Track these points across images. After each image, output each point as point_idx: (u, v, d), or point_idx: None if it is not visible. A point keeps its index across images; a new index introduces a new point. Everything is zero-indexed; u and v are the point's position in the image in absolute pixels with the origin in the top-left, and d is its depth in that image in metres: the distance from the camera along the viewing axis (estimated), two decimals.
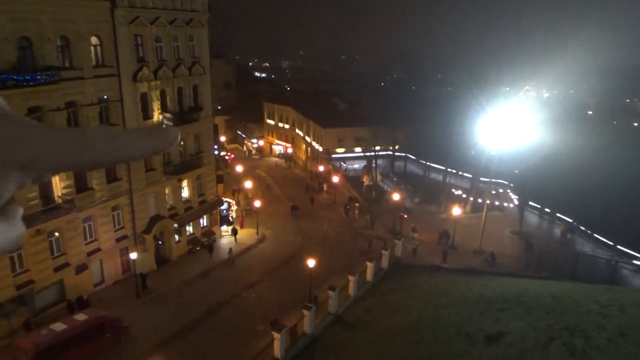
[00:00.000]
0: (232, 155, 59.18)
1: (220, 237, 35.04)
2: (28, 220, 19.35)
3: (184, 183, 31.88)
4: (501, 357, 14.47)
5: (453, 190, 45.25)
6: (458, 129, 42.33)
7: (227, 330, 23.59)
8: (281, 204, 42.97)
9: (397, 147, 50.69)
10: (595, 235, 36.29)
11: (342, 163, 54.13)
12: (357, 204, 41.70)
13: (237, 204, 40.79)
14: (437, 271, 29.77)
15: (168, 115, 29.46)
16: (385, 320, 23.27)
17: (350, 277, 25.79)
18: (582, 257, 31.72)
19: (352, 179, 49.50)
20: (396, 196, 39.07)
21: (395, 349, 18.66)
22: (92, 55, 25.00)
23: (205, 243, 32.70)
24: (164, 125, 26.93)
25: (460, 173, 48.06)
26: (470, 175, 44.94)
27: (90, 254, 26.00)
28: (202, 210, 33.45)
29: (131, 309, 25.19)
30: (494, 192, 42.29)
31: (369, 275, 27.53)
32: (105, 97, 25.73)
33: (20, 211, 0.50)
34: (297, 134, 61.41)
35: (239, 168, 49.70)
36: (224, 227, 35.95)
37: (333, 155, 53.57)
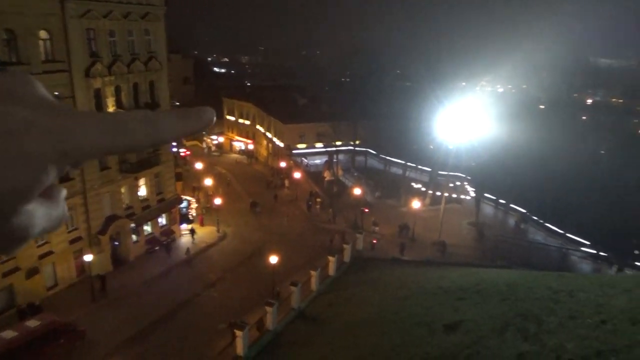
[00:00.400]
0: (189, 152, 58.06)
1: (180, 236, 34.39)
2: None
3: (141, 181, 31.05)
4: (459, 344, 14.88)
5: (412, 184, 46.11)
6: (417, 124, 43.16)
7: (189, 330, 23.21)
8: (242, 201, 42.58)
9: (358, 142, 51.17)
10: (546, 224, 37.89)
11: (303, 159, 54.13)
12: (318, 199, 41.85)
13: (198, 201, 40.13)
14: (397, 264, 30.29)
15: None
16: (347, 313, 23.48)
17: (312, 272, 25.85)
18: (535, 246, 33.08)
19: (313, 175, 49.61)
20: (357, 191, 39.45)
21: (358, 342, 18.87)
22: (41, 49, 23.90)
23: (164, 242, 32.00)
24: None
25: (420, 167, 49.01)
26: (429, 169, 45.90)
27: (41, 257, 24.94)
28: (161, 209, 32.70)
29: (87, 312, 24.38)
30: (451, 185, 43.39)
31: (331, 270, 27.68)
32: (56, 93, 24.65)
33: (63, 192, 0.51)
34: (258, 130, 60.92)
35: (199, 165, 48.86)
36: (184, 226, 35.30)
37: (294, 151, 53.49)
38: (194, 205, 38.66)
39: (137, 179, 30.27)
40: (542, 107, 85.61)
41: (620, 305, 13.43)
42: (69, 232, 26.50)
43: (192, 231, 34.12)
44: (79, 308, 24.47)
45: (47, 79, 23.90)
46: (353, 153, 52.58)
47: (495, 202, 42.80)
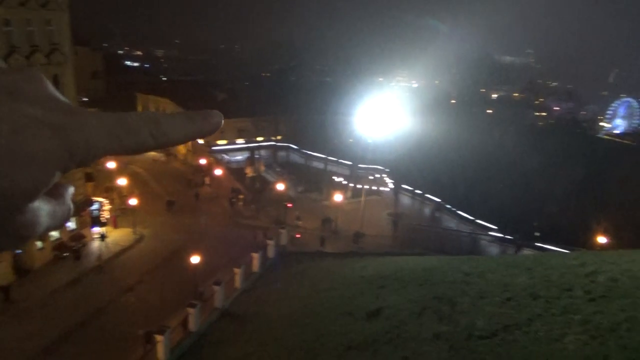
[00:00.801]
0: None
1: (92, 241, 32.35)
2: None
3: None
4: (381, 329, 15.36)
5: (334, 177, 46.90)
6: (337, 118, 43.95)
7: (105, 338, 21.91)
8: (161, 200, 40.89)
9: (279, 137, 51.07)
10: (458, 212, 40.26)
11: (224, 155, 53.06)
12: (241, 196, 41.28)
13: (111, 203, 37.93)
14: (321, 256, 30.69)
15: None
16: (273, 309, 23.41)
17: (236, 270, 25.49)
18: (449, 233, 35.02)
19: (235, 171, 48.81)
20: (280, 186, 39.41)
21: (283, 336, 18.87)
22: None
23: (74, 248, 29.94)
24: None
25: (340, 161, 49.96)
26: (349, 163, 46.95)
27: None
28: None
29: None
30: (371, 177, 44.70)
31: (256, 266, 27.46)
32: None
33: (69, 190, 0.51)
34: None
35: (111, 164, 46.15)
36: (96, 229, 33.23)
37: (214, 148, 52.26)
38: (107, 207, 36.50)
39: None
40: (453, 101, 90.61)
41: (523, 282, 14.60)
42: None
43: (103, 236, 32.19)
44: None
45: None
46: (275, 148, 52.44)
47: (412, 192, 44.73)
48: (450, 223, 39.30)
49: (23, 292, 25.17)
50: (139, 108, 62.53)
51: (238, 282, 25.48)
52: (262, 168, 49.04)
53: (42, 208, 0.45)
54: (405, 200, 44.24)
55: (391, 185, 45.14)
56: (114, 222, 34.56)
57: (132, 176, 44.66)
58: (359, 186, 41.98)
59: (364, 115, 38.84)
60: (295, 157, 55.10)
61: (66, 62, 29.14)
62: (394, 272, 24.41)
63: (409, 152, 40.52)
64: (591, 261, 15.53)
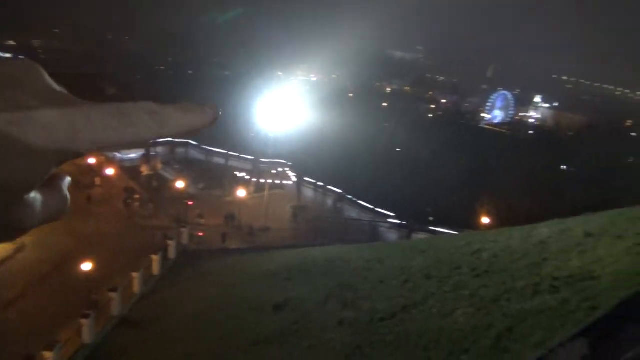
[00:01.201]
0: None
1: None
2: None
3: None
4: (287, 321, 15.45)
5: (236, 173, 46.16)
6: (237, 112, 43.20)
7: None
8: None
9: None
10: (359, 202, 41.79)
11: (116, 153, 49.68)
12: (136, 196, 38.99)
13: None
14: (226, 253, 30.13)
15: None
16: (177, 311, 22.55)
17: (134, 274, 24.12)
18: (350, 222, 36.21)
19: (129, 170, 45.93)
20: (179, 184, 37.91)
21: (188, 338, 18.23)
22: None
23: None
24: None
25: (242, 156, 49.30)
26: (251, 158, 46.51)
27: None
28: None
29: None
30: (274, 171, 44.70)
31: (156, 269, 26.22)
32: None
33: (65, 180, 0.50)
34: None
35: None
36: None
37: None
38: None
39: None
40: (350, 95, 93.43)
41: (418, 265, 15.51)
42: None
43: None
44: None
45: None
46: (172, 145, 50.25)
47: (315, 185, 45.50)
48: (352, 213, 40.64)
49: None
50: None
51: (136, 286, 24.14)
52: (159, 166, 46.78)
53: (38, 199, 0.44)
54: (308, 192, 44.90)
55: (294, 179, 45.53)
56: None
57: None
58: (261, 181, 41.75)
59: (265, 109, 38.65)
60: (195, 154, 53.28)
61: None
62: (299, 264, 24.64)
63: (310, 145, 41.19)
64: (476, 240, 16.90)
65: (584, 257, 10.16)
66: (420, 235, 33.96)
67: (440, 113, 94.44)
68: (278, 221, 34.88)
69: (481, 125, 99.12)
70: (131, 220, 35.74)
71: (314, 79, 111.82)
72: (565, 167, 63.47)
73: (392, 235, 35.97)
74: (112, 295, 21.92)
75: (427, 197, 44.33)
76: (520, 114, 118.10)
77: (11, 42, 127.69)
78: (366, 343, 10.35)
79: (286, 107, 38.05)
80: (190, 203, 35.79)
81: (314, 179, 45.21)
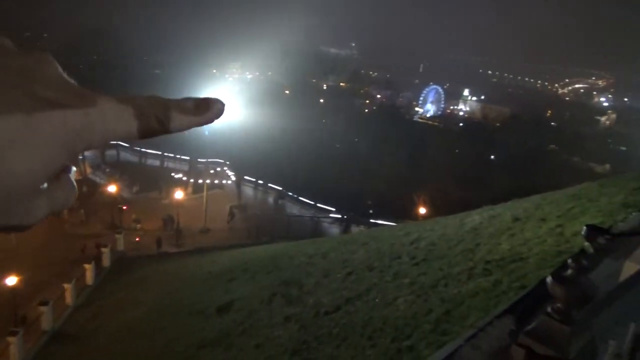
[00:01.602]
0: None
1: None
2: None
3: None
4: (232, 322, 15.28)
5: (172, 174, 44.84)
6: None
7: None
8: None
9: None
10: (300, 198, 41.95)
11: None
12: None
13: None
14: (166, 258, 29.21)
15: None
16: (114, 320, 21.58)
17: (66, 285, 22.82)
18: (292, 219, 36.26)
19: None
20: (112, 188, 36.22)
21: (127, 349, 17.53)
22: None
23: None
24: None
25: (178, 156, 47.96)
26: (187, 158, 45.33)
27: None
28: None
29: None
30: (212, 171, 43.85)
31: (90, 279, 24.96)
32: None
33: (72, 170, 0.49)
34: None
35: None
36: None
37: None
38: None
39: None
40: (287, 92, 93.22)
41: (360, 257, 15.83)
42: None
43: None
44: None
45: None
46: (103, 148, 47.92)
47: (255, 183, 45.14)
48: (294, 209, 40.73)
49: None
50: None
51: (69, 298, 22.86)
52: (89, 170, 44.50)
53: (49, 189, 0.45)
54: (248, 191, 44.47)
55: (233, 178, 44.90)
56: None
57: None
58: (200, 181, 40.83)
59: None
60: (127, 156, 51.13)
61: None
62: (242, 264, 24.36)
63: (249, 143, 40.78)
64: (414, 230, 17.49)
65: (513, 240, 10.83)
66: (362, 228, 34.63)
67: (375, 108, 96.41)
68: (219, 222, 34.28)
69: (415, 119, 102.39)
70: (60, 229, 33.72)
71: (250, 76, 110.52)
72: (493, 156, 67.00)
73: (335, 230, 36.43)
74: (43, 309, 20.62)
75: (366, 191, 45.28)
76: (450, 107, 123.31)
77: None
78: (312, 337, 10.45)
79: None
80: (124, 207, 34.34)
81: (253, 177, 44.82)
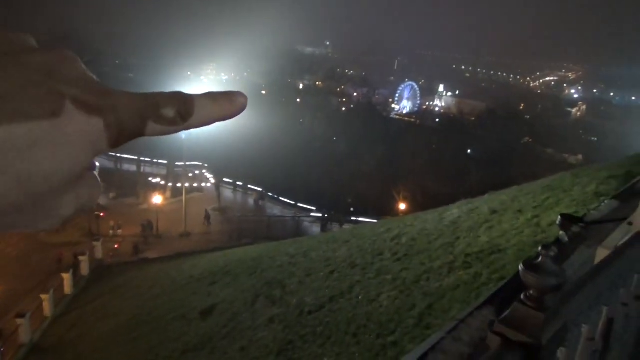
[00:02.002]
0: None
1: None
2: None
3: None
4: (216, 325, 15.18)
5: (150, 179, 44.23)
6: None
7: None
8: None
9: None
10: (281, 198, 41.84)
11: None
12: None
13: None
14: (146, 264, 28.80)
15: None
16: (95, 329, 21.21)
17: (43, 296, 22.31)
18: (274, 219, 36.15)
19: None
20: None
21: (109, 356, 17.25)
22: None
23: None
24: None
25: (155, 161, 47.31)
26: (165, 162, 44.78)
27: None
28: None
29: None
30: (190, 174, 43.40)
31: (68, 288, 24.44)
32: None
33: (96, 167, 0.49)
34: None
35: None
36: None
37: None
38: None
39: None
40: (263, 92, 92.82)
41: (343, 255, 15.89)
42: None
43: None
44: None
45: None
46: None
47: (234, 185, 44.84)
48: (274, 210, 40.60)
49: None
50: None
51: (47, 309, 22.36)
52: None
53: (75, 188, 0.44)
54: (228, 193, 44.15)
55: (212, 180, 44.53)
56: None
57: None
58: (178, 185, 40.38)
59: None
60: (103, 162, 49.72)
61: None
62: (224, 267, 24.19)
63: (227, 145, 40.51)
64: (395, 226, 17.63)
65: (491, 232, 11.02)
66: (337, 227, 34.75)
67: (352, 106, 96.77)
68: (199, 225, 33.97)
69: (392, 116, 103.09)
70: (36, 238, 32.95)
71: (225, 77, 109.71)
72: (470, 150, 67.98)
73: (316, 229, 36.45)
74: (20, 321, 20.13)
75: (347, 189, 45.43)
76: (426, 104, 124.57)
77: None
78: (297, 337, 10.46)
79: None
80: (101, 214, 33.73)
81: (233, 179, 44.51)
